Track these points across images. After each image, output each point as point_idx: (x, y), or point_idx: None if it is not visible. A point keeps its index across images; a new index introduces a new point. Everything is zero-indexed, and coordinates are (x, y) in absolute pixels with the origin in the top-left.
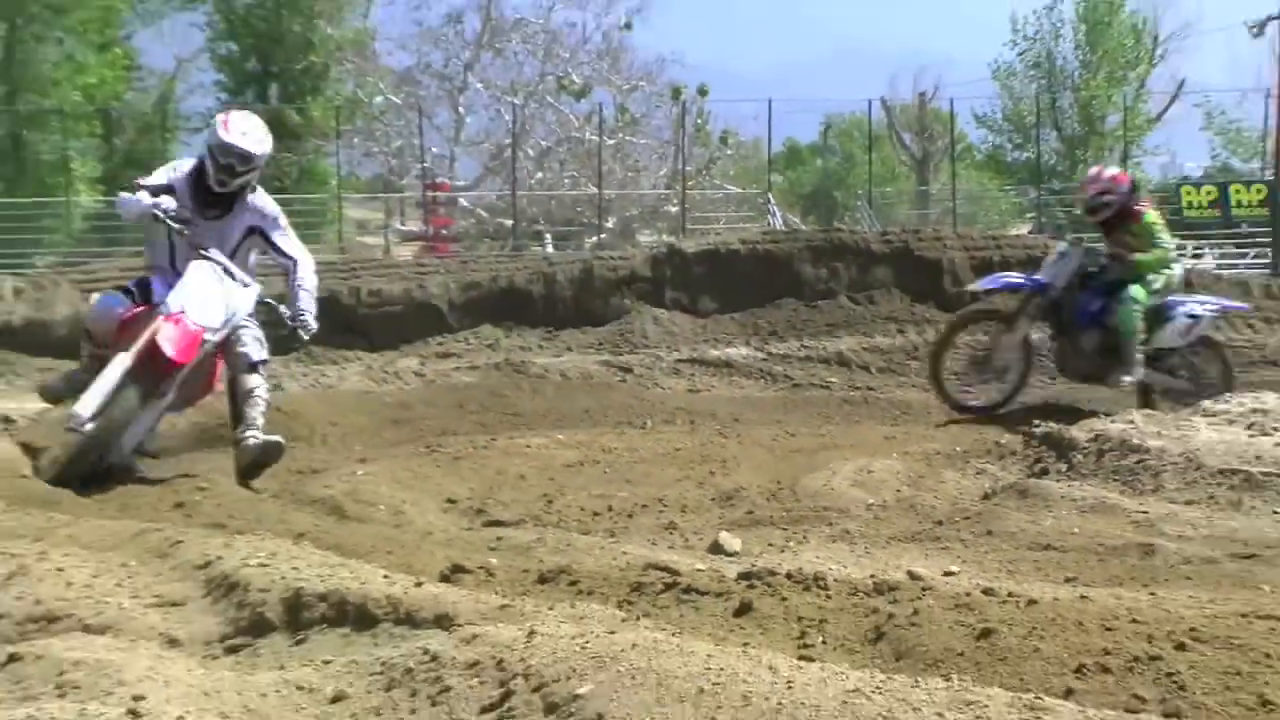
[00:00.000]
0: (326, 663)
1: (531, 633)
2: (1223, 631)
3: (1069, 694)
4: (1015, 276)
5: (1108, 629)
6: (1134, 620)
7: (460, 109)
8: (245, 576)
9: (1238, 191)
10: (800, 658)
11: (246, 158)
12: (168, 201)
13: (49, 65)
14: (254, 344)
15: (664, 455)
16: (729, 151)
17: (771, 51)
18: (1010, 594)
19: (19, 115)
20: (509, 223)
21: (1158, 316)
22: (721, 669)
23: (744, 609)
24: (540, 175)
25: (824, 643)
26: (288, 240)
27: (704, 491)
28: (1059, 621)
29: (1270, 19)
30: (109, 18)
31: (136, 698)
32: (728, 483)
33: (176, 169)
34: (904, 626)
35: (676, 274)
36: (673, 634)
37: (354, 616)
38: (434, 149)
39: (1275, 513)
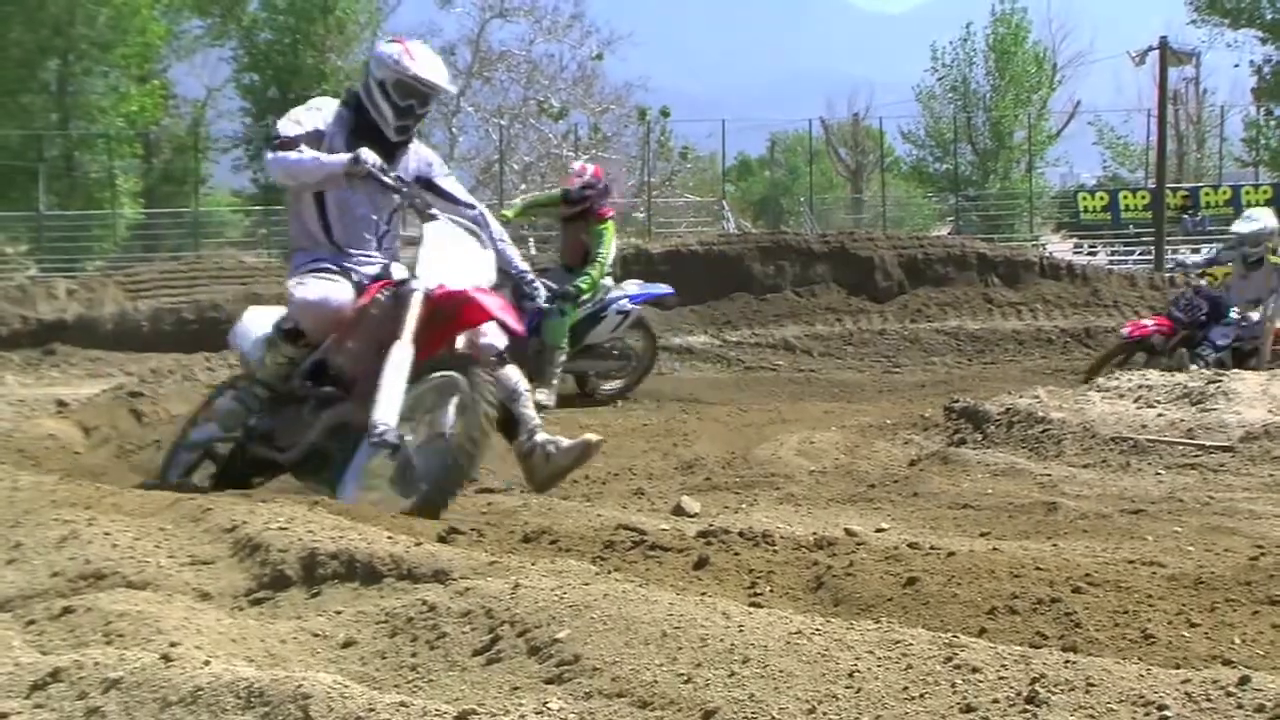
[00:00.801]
0: (338, 613)
1: (516, 585)
2: (1113, 576)
3: (982, 633)
4: None
5: (1016, 576)
6: (1038, 568)
7: (454, 129)
8: (267, 538)
9: (1126, 197)
10: (750, 604)
11: (428, 97)
12: (370, 154)
13: (96, 95)
14: (490, 330)
15: (633, 430)
16: (688, 165)
17: (724, 78)
18: (933, 547)
19: (70, 139)
20: None
21: (592, 318)
22: (682, 615)
23: (702, 563)
24: (524, 187)
25: (771, 591)
26: (458, 186)
27: (668, 461)
28: (974, 570)
29: (1150, 49)
30: (148, 53)
31: (172, 644)
32: (688, 453)
33: (319, 109)
34: (840, 576)
35: (643, 272)
36: (640, 585)
37: (362, 573)
38: None
39: (1158, 474)
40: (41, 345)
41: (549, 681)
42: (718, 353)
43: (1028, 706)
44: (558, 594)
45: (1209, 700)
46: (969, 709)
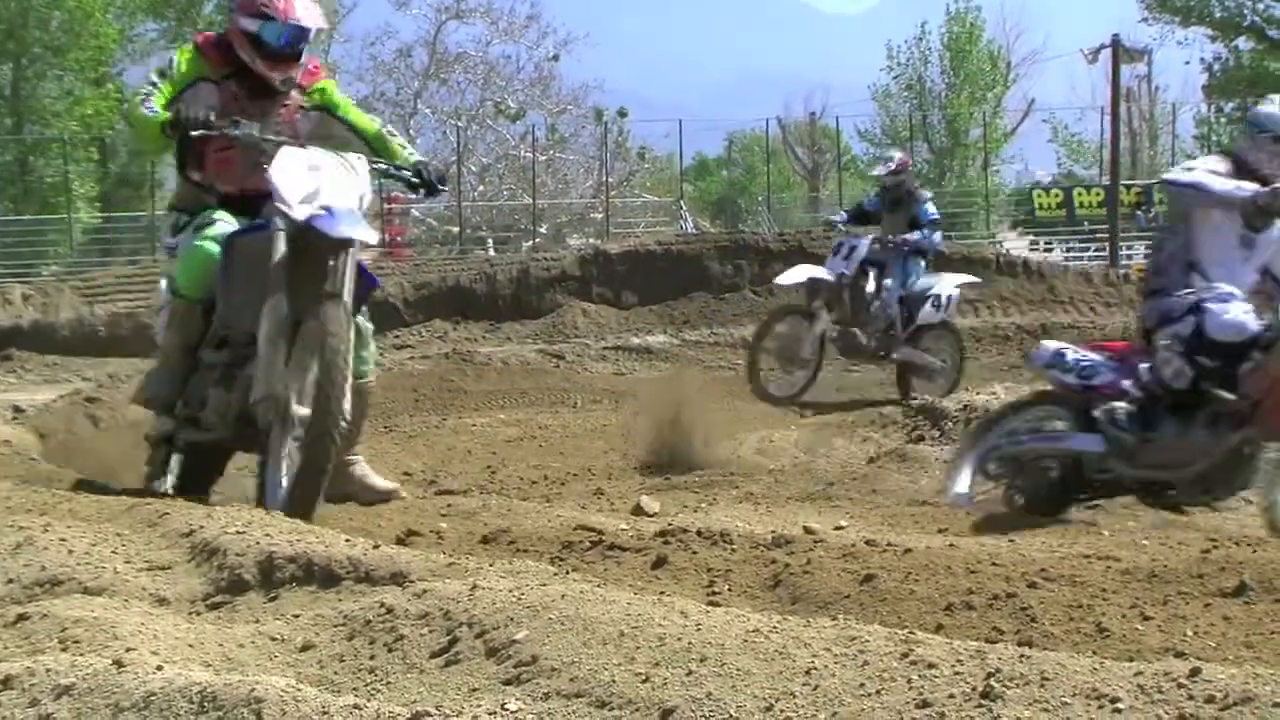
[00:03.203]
0: (296, 616)
1: (474, 586)
2: (1068, 571)
3: (939, 629)
4: None
5: (972, 572)
6: (994, 564)
7: (411, 131)
8: (224, 543)
9: (1080, 195)
10: (708, 603)
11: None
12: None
13: (50, 99)
14: None
15: (592, 430)
16: (646, 165)
17: (680, 79)
18: (890, 544)
19: (25, 143)
20: (455, 230)
21: None
22: (640, 614)
23: (660, 562)
24: (482, 188)
25: (729, 590)
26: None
27: (627, 461)
28: (931, 567)
29: (1103, 47)
30: (102, 57)
31: (127, 649)
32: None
33: None
34: (798, 574)
35: (602, 272)
36: (598, 585)
37: (320, 576)
38: None
39: None
40: None
41: (507, 682)
42: (677, 352)
43: (983, 701)
44: (515, 595)
45: (1161, 692)
46: (925, 704)
